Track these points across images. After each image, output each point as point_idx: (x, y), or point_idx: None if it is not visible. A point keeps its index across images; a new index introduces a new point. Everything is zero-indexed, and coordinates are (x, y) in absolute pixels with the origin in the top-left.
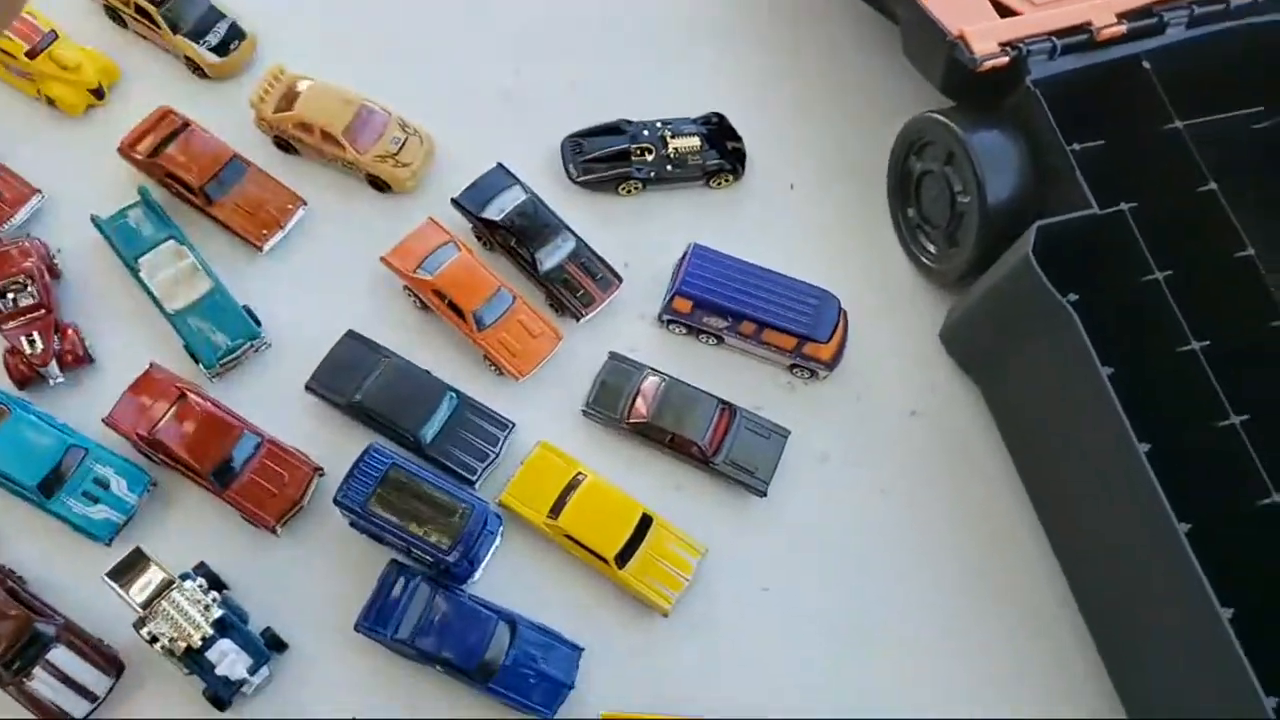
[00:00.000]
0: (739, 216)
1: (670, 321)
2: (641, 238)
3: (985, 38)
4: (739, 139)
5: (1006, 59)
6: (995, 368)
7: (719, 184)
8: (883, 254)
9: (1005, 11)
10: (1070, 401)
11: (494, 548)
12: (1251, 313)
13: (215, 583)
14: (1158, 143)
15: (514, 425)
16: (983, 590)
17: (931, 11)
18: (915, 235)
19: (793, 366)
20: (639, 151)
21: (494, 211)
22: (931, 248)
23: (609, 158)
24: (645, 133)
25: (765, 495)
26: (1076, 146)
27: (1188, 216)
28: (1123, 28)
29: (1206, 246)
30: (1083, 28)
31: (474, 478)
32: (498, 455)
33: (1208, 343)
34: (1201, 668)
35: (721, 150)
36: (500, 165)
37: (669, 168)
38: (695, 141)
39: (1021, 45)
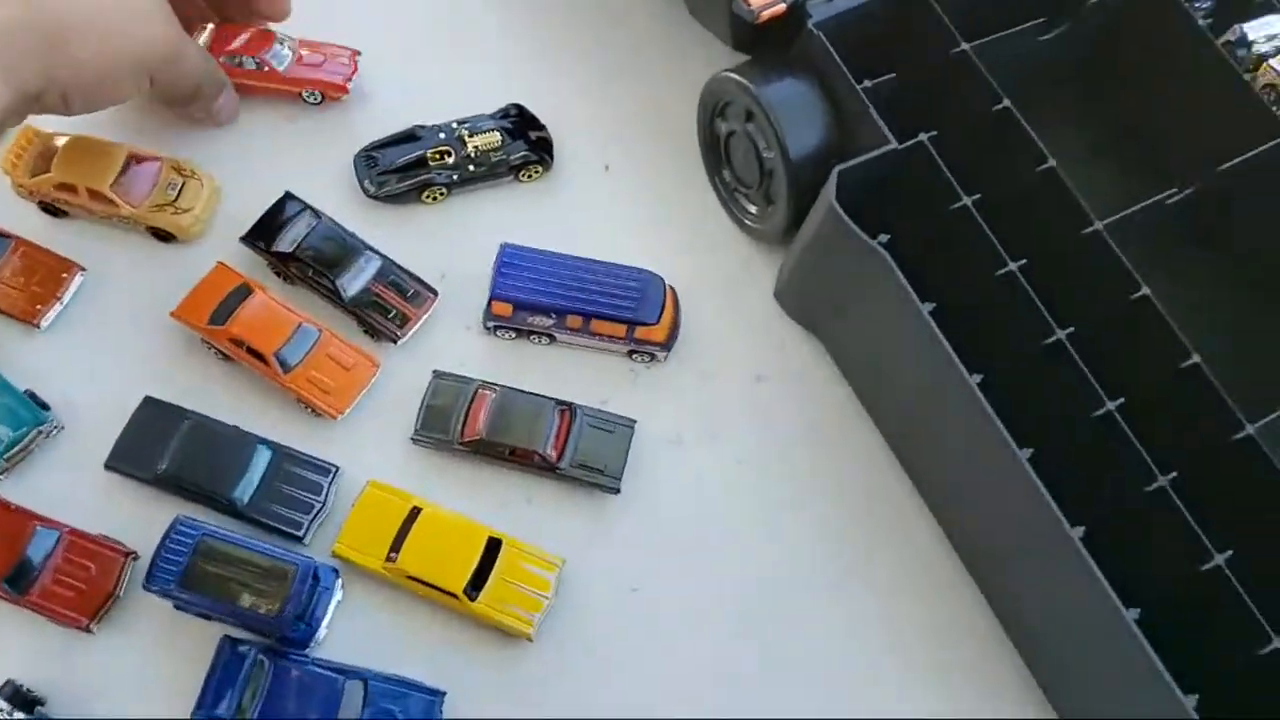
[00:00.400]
0: (555, 207)
1: (496, 327)
2: (456, 244)
3: None
4: (542, 127)
5: (784, 7)
6: (829, 319)
7: (529, 176)
8: (709, 222)
9: None
10: (901, 342)
11: (334, 603)
12: (1062, 223)
13: (25, 701)
14: (949, 68)
15: (338, 469)
16: (855, 541)
17: None
18: (734, 198)
19: (631, 353)
20: (437, 156)
21: (286, 244)
22: (752, 208)
23: (406, 167)
24: (441, 135)
25: (619, 492)
26: (868, 83)
27: (989, 138)
28: None
29: (1011, 165)
30: None
31: (300, 533)
32: (324, 504)
33: (1024, 261)
34: (1061, 585)
35: (526, 141)
36: (288, 193)
37: (471, 168)
38: (496, 137)
39: None
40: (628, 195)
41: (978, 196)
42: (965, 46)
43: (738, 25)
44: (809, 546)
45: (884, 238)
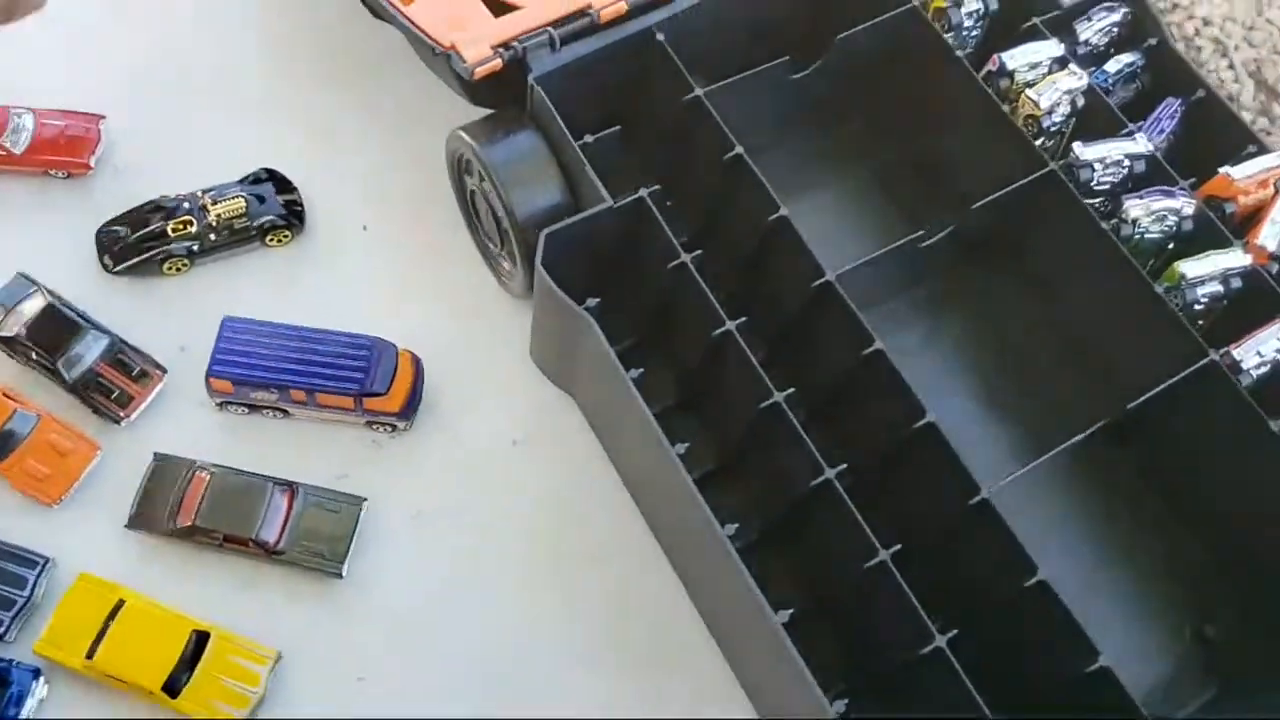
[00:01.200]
0: (308, 272)
1: (224, 403)
2: (197, 317)
3: (477, 43)
4: (294, 190)
5: (500, 62)
6: (572, 378)
7: (277, 241)
8: (471, 279)
9: (505, 9)
10: (617, 406)
11: (33, 704)
12: (794, 276)
13: None
14: (683, 116)
15: (48, 561)
16: (601, 607)
17: (418, 24)
18: (489, 254)
19: (370, 424)
20: (180, 226)
21: (11, 326)
22: (505, 265)
23: (145, 239)
24: (185, 205)
25: (342, 576)
26: (589, 139)
27: (721, 188)
28: (624, 4)
29: (744, 216)
30: (582, 12)
31: (0, 631)
32: (28, 599)
33: (743, 319)
34: (770, 668)
35: (276, 205)
36: (20, 274)
37: (213, 236)
38: (240, 203)
39: (516, 44)
40: (386, 255)
41: (698, 253)
42: (699, 92)
43: (463, 82)
44: (553, 617)
45: (592, 301)
